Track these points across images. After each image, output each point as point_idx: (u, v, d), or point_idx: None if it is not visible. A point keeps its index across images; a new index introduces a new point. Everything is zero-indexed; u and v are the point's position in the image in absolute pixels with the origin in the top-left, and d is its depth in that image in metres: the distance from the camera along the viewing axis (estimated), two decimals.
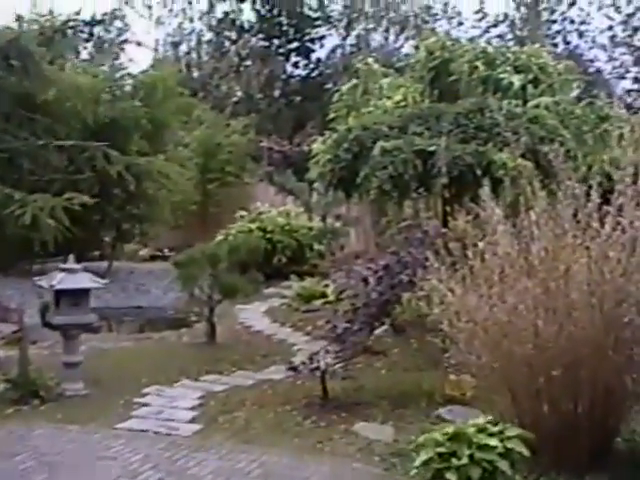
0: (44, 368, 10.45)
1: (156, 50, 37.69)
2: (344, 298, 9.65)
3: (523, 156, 10.33)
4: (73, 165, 11.48)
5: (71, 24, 10.44)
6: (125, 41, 23.44)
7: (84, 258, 21.58)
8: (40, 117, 11.76)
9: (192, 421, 9.16)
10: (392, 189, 10.29)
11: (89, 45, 23.40)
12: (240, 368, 11.84)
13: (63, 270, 10.27)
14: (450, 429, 6.48)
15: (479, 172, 9.85)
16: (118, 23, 30.10)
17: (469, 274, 7.31)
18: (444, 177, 9.95)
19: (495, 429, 6.42)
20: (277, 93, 36.32)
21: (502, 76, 13.90)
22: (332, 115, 17.07)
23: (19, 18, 12.56)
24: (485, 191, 7.54)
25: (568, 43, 35.79)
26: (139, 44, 20.99)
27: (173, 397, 10.15)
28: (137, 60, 55.03)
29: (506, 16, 35.78)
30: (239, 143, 27.24)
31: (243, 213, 22.62)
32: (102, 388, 10.55)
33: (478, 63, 14.28)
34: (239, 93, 36.33)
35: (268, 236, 21.19)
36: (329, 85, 32.23)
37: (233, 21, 36.79)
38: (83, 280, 10.22)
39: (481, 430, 6.39)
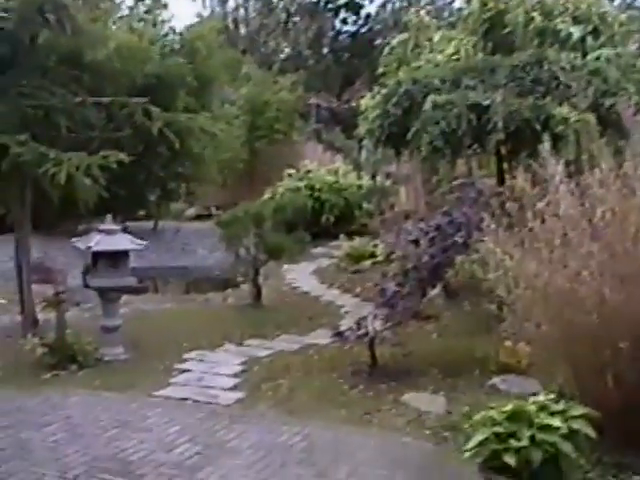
0: (84, 332, 10.13)
1: (203, 6, 37.20)
2: (394, 259, 9.13)
3: (585, 110, 9.71)
4: (113, 122, 11.06)
5: None
6: None
7: (130, 217, 21.56)
8: (86, 76, 11.38)
9: (234, 389, 8.75)
10: (444, 146, 9.69)
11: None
12: (285, 332, 11.45)
13: (101, 231, 9.89)
14: (508, 407, 5.96)
15: (538, 127, 9.22)
16: None
17: (528, 237, 6.76)
18: (500, 132, 9.33)
19: (558, 407, 5.90)
20: (325, 50, 35.84)
21: (560, 27, 13.18)
22: (382, 70, 16.45)
23: None
24: (545, 147, 6.96)
25: None
26: None
27: (215, 362, 9.76)
28: (183, 15, 54.62)
29: None
30: (287, 100, 26.98)
31: (291, 171, 22.19)
32: (142, 352, 10.21)
33: (534, 14, 13.55)
34: (287, 50, 35.90)
35: (316, 195, 20.82)
36: (378, 41, 31.51)
37: None
38: (121, 241, 9.84)
39: (542, 408, 5.87)
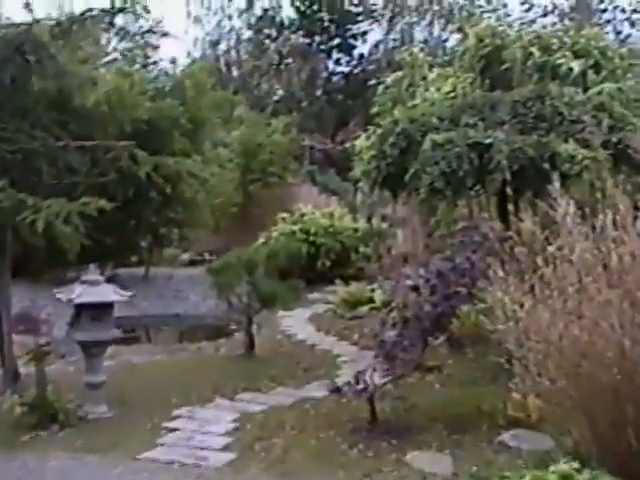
0: (67, 387, 9.60)
1: (194, 46, 36.97)
2: (393, 308, 8.59)
3: (588, 147, 9.24)
4: (97, 167, 10.58)
5: (91, 13, 9.56)
6: (150, 31, 22.50)
7: (120, 264, 21.05)
8: (73, 121, 10.96)
9: (225, 449, 8.18)
10: (445, 187, 9.20)
11: (113, 38, 22.47)
12: (280, 384, 10.90)
13: (84, 282, 9.36)
14: (527, 478, 5.35)
15: (545, 165, 8.73)
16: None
17: (539, 284, 6.23)
18: (505, 171, 8.82)
19: (583, 478, 5.29)
20: (319, 91, 35.42)
21: (560, 62, 12.77)
22: (376, 109, 16.05)
23: (27, 5, 11.64)
24: (555, 187, 6.47)
25: (619, 33, 34.36)
26: (165, 34, 20.08)
27: (205, 420, 9.18)
28: (173, 57, 54.33)
29: (555, 6, 34.40)
30: (281, 142, 26.68)
31: (285, 215, 21.70)
32: (128, 409, 9.65)
33: (533, 49, 13.17)
34: (280, 91, 35.50)
35: (311, 239, 20.31)
36: (372, 81, 31.13)
37: (272, 18, 35.92)
38: (105, 293, 9.31)
39: (565, 478, 5.28)
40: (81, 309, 9.30)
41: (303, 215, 21.49)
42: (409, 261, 17.92)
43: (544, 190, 6.82)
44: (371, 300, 16.91)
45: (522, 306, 6.20)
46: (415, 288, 8.25)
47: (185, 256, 25.65)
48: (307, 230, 20.47)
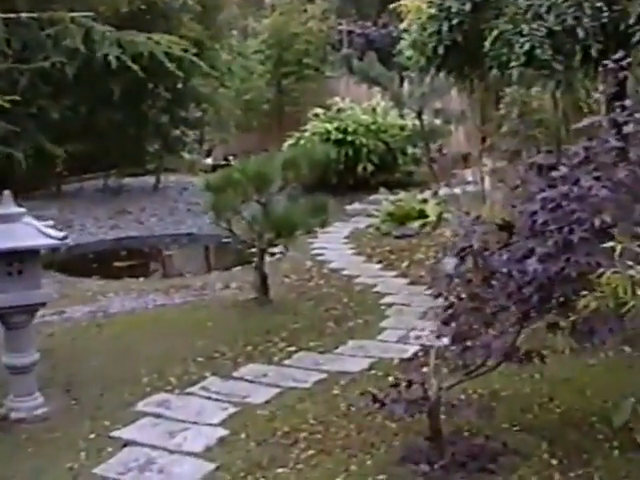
0: None
1: None
2: (463, 252, 5.24)
3: None
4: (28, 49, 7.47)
5: None
6: None
7: (127, 174, 18.00)
8: None
9: None
10: (552, 57, 5.76)
11: None
12: (299, 347, 7.80)
13: None
14: None
15: None
16: None
17: None
18: None
19: None
20: None
21: None
22: None
23: None
24: None
25: None
26: None
27: (182, 421, 6.10)
28: None
29: None
30: (317, 31, 24.17)
31: (318, 111, 18.32)
32: (75, 400, 6.64)
33: None
34: None
35: (349, 138, 17.00)
36: None
37: None
38: (25, 234, 6.11)
39: None
40: None
41: (339, 110, 18.09)
42: (469, 163, 14.83)
43: None
44: (422, 213, 13.83)
45: None
46: (504, 226, 4.97)
47: (208, 161, 22.57)
48: (345, 128, 17.12)
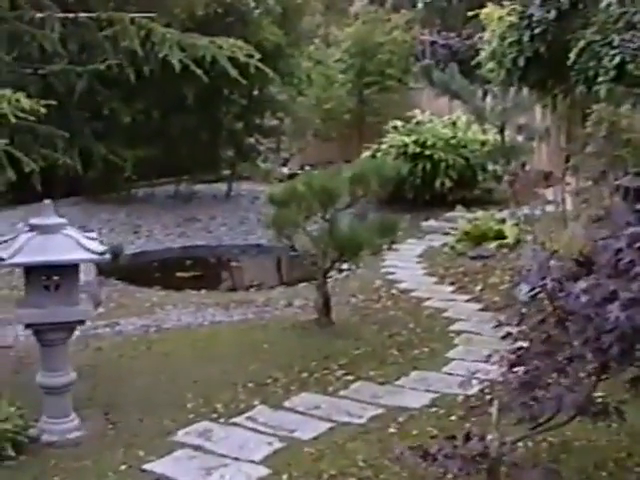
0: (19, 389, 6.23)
1: None
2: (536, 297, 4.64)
3: None
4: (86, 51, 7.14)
5: None
6: None
7: (199, 180, 17.69)
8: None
9: None
10: None
11: None
12: (358, 376, 7.28)
13: (31, 227, 5.78)
14: None
15: None
16: None
17: None
18: None
19: None
20: None
21: None
22: None
23: None
24: None
25: None
26: None
27: (220, 455, 5.63)
28: None
29: None
30: (402, 41, 23.73)
31: (397, 123, 17.75)
32: (112, 424, 6.22)
33: None
34: None
35: (428, 152, 16.39)
36: None
37: None
38: (63, 246, 5.70)
39: None
40: (29, 272, 5.75)
41: (419, 123, 17.50)
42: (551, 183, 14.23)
43: None
44: (500, 234, 13.19)
45: None
46: (583, 262, 4.40)
47: (284, 170, 22.21)
48: (423, 142, 16.50)
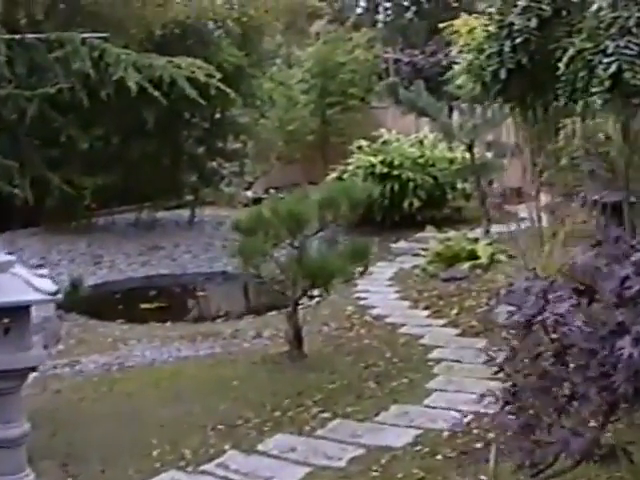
0: None
1: None
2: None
3: None
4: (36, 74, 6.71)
5: None
6: None
7: (161, 207, 17.25)
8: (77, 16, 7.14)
9: None
10: None
11: None
12: (334, 413, 6.83)
13: None
14: None
15: None
16: None
17: None
18: None
19: None
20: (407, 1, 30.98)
21: None
22: None
23: None
24: None
25: None
26: None
27: None
28: None
29: None
30: (363, 60, 23.54)
31: (363, 143, 17.43)
32: (70, 478, 5.74)
33: None
34: (362, 3, 31.30)
35: (395, 172, 16.08)
36: None
37: None
38: (11, 286, 5.21)
39: None
40: None
41: (385, 143, 17.18)
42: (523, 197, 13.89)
43: None
44: (473, 254, 12.83)
45: None
46: (583, 291, 4.00)
47: (249, 194, 21.80)
48: (390, 162, 16.16)
